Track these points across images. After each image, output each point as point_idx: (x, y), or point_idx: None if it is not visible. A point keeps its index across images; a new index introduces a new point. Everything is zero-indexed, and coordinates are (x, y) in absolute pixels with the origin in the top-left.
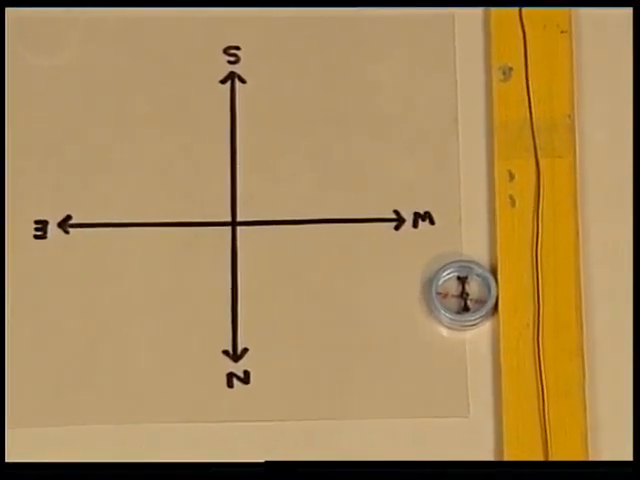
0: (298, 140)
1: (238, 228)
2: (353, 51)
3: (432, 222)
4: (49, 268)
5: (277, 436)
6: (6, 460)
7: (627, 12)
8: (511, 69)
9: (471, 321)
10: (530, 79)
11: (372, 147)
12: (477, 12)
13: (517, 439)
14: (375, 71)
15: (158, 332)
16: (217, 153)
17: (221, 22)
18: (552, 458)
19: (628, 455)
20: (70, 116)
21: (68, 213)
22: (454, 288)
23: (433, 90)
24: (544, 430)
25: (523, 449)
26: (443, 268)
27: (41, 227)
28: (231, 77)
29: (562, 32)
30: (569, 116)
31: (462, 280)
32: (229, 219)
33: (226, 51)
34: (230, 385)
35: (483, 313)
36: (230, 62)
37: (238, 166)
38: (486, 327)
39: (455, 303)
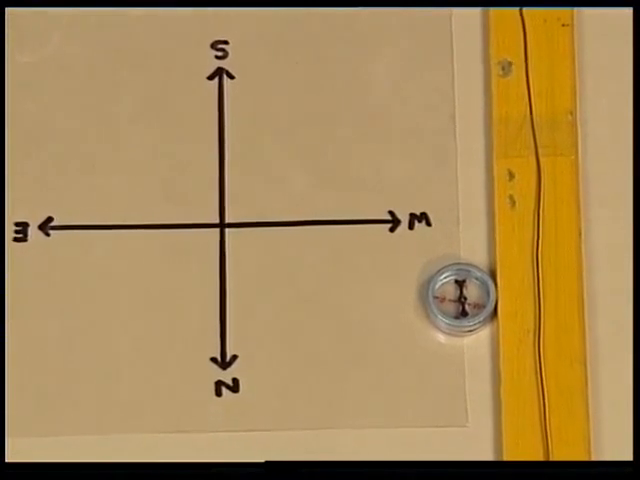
0: (289, 139)
1: (226, 230)
2: (346, 45)
3: (429, 223)
4: (29, 272)
5: (268, 447)
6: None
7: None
8: (511, 64)
9: (469, 326)
10: (530, 74)
11: (366, 145)
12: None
13: (517, 449)
14: (369, 66)
15: (143, 338)
16: (204, 152)
17: (208, 15)
18: None
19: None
20: (52, 114)
21: (49, 215)
22: (452, 292)
23: (429, 86)
24: (545, 440)
25: (524, 459)
26: (440, 271)
27: (21, 229)
28: (219, 73)
29: (563, 25)
30: (571, 113)
31: (460, 284)
32: (217, 221)
33: (214, 46)
34: (218, 394)
35: (482, 318)
36: (218, 57)
37: (226, 165)
38: (485, 333)
39: (453, 308)
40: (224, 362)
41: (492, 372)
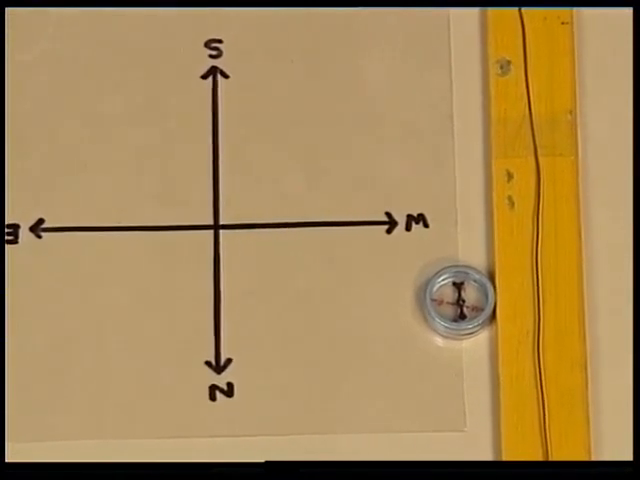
0: (284, 139)
1: (221, 232)
2: (342, 45)
3: (426, 225)
4: (20, 275)
5: (263, 452)
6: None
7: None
8: (509, 63)
9: (468, 329)
10: (529, 73)
11: (362, 146)
12: None
13: (516, 454)
14: (365, 66)
15: (136, 342)
16: (198, 152)
17: (202, 14)
18: None
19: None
20: (43, 115)
21: (40, 216)
22: (450, 295)
23: (427, 85)
24: (545, 444)
25: None
26: (438, 274)
27: (12, 231)
28: (213, 72)
29: (563, 24)
30: (571, 112)
31: (458, 286)
32: (211, 222)
33: (207, 44)
34: (213, 398)
35: (480, 321)
36: (212, 56)
37: (220, 166)
38: (483, 336)
39: (451, 310)
40: (218, 366)
41: (491, 376)
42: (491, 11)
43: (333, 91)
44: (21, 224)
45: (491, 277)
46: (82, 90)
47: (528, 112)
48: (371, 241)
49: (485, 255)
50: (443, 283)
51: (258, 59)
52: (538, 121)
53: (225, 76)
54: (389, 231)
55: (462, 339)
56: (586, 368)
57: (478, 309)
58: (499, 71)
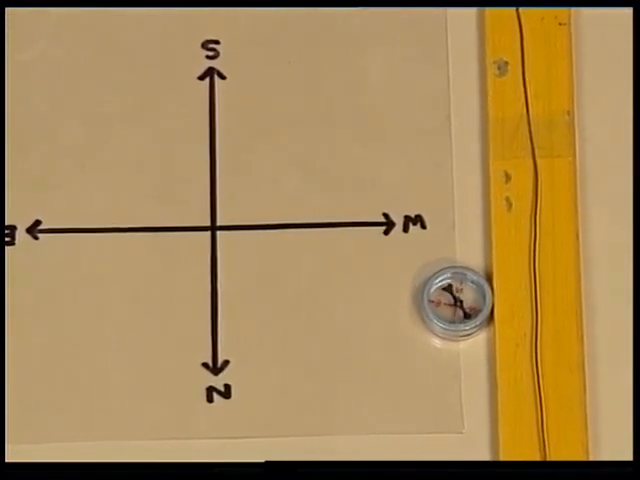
0: (281, 140)
1: (218, 233)
2: (339, 45)
3: (424, 226)
4: (17, 276)
5: (260, 454)
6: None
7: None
8: (507, 63)
9: (465, 331)
10: (527, 74)
11: (360, 147)
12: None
13: (514, 456)
14: (363, 67)
15: (133, 343)
16: (195, 153)
17: (199, 14)
18: None
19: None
20: (40, 116)
21: (37, 218)
22: (447, 296)
23: (424, 86)
24: (542, 446)
25: None
26: (435, 275)
27: (9, 233)
28: (210, 73)
29: (561, 24)
30: (568, 113)
31: (456, 287)
32: (208, 223)
33: (204, 45)
34: (210, 400)
35: (478, 322)
36: (209, 57)
37: (218, 167)
38: (481, 337)
39: (448, 312)
40: (216, 367)
41: (488, 377)
42: (489, 12)
43: (330, 92)
44: (18, 225)
45: (489, 278)
46: (80, 92)
47: (526, 113)
48: (368, 242)
49: (483, 256)
50: (441, 284)
51: (255, 60)
52: (536, 122)
53: (222, 77)
54: (386, 232)
55: (460, 340)
56: (584, 369)
57: (476, 310)
58: (497, 72)
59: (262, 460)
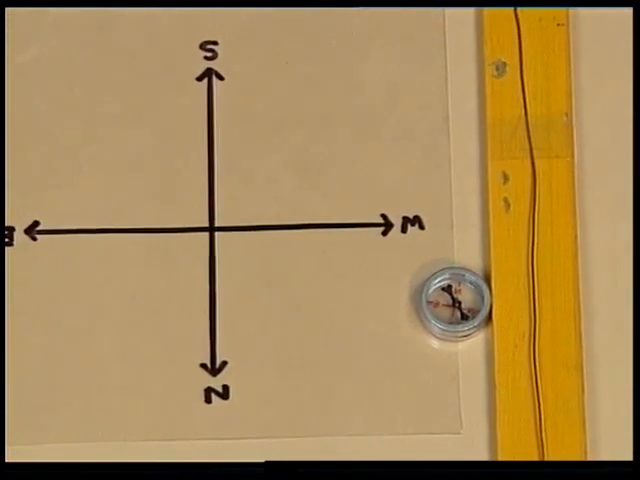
0: (279, 141)
1: (216, 234)
2: (337, 46)
3: (422, 227)
4: (15, 277)
5: (259, 455)
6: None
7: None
8: (505, 64)
9: (464, 332)
10: (525, 75)
11: (358, 147)
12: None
13: (512, 456)
14: (361, 67)
15: (132, 344)
16: (193, 154)
17: (197, 15)
18: None
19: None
20: (38, 117)
21: (35, 219)
22: (446, 297)
23: (422, 87)
24: (541, 448)
25: None
26: (434, 276)
27: (7, 234)
28: (208, 74)
29: (559, 25)
30: (566, 114)
31: (454, 288)
32: (206, 224)
33: (203, 46)
34: (208, 401)
35: (476, 323)
36: (207, 58)
37: (216, 168)
38: (479, 338)
39: (447, 312)
40: (214, 368)
41: (487, 378)
42: (487, 13)
43: (328, 93)
44: (16, 226)
45: (487, 279)
46: (78, 92)
47: (524, 114)
48: (367, 243)
49: (481, 257)
50: (439, 285)
51: (253, 61)
52: (534, 123)
53: (220, 78)
54: (385, 233)
55: (458, 341)
56: (582, 370)
57: (474, 311)
58: (495, 73)
59: (260, 460)
